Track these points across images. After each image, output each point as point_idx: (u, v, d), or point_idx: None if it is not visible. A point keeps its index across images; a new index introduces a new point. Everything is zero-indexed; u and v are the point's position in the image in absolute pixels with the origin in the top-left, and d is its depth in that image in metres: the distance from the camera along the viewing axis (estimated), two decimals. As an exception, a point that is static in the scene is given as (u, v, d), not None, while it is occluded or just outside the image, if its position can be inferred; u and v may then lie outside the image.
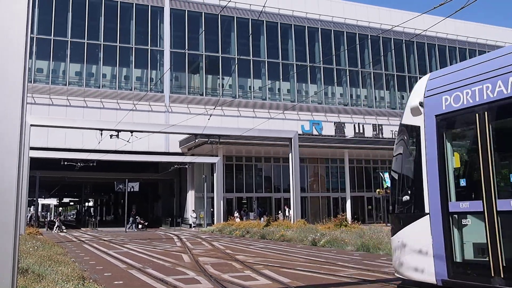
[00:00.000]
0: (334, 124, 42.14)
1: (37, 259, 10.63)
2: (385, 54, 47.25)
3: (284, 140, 31.42)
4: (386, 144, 40.60)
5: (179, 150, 38.14)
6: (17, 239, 5.47)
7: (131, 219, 38.54)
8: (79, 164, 33.20)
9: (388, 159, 44.76)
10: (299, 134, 32.18)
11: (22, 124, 5.66)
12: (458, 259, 7.04)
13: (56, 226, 36.30)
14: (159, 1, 39.93)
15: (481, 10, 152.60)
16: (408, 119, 8.17)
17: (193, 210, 37.75)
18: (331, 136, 40.76)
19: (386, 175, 38.32)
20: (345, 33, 45.60)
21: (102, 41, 37.88)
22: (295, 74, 42.98)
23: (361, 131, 42.31)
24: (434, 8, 9.59)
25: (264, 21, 42.69)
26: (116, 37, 38.25)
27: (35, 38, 35.58)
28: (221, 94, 40.40)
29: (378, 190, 38.60)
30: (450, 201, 7.19)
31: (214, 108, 34.13)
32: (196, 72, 40.98)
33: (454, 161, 7.39)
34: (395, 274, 8.38)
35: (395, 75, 47.20)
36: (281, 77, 42.43)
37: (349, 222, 23.86)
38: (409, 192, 8.05)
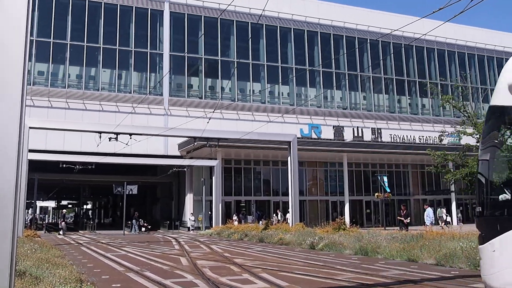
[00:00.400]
0: (333, 128, 42.21)
1: (35, 262, 10.62)
2: (384, 58, 47.31)
3: (283, 143, 31.41)
4: (385, 148, 40.70)
5: (178, 153, 38.14)
6: (15, 242, 5.47)
7: (134, 221, 38.55)
8: (77, 166, 33.15)
9: (387, 163, 44.83)
10: (298, 138, 32.18)
11: (21, 127, 5.67)
12: None
13: (60, 228, 36.41)
14: (159, 5, 39.99)
15: (480, 15, 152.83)
16: (507, 98, 6.65)
17: (191, 213, 37.71)
18: (330, 139, 40.82)
19: (385, 178, 38.35)
20: (344, 37, 45.68)
21: (101, 44, 37.91)
22: (294, 77, 43.02)
23: (360, 135, 42.39)
24: (434, 12, 9.62)
25: (264, 25, 42.76)
26: (115, 40, 38.28)
27: (34, 41, 35.62)
28: (220, 97, 40.42)
29: (376, 194, 38.60)
30: None
31: (213, 111, 34.05)
32: (196, 75, 41.01)
33: None
34: None
35: (394, 79, 47.25)
36: (280, 81, 42.47)
37: (348, 226, 23.82)
38: (510, 188, 6.44)
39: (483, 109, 43.91)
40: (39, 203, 74.91)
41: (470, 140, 24.70)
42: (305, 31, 44.29)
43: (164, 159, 37.46)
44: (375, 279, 10.63)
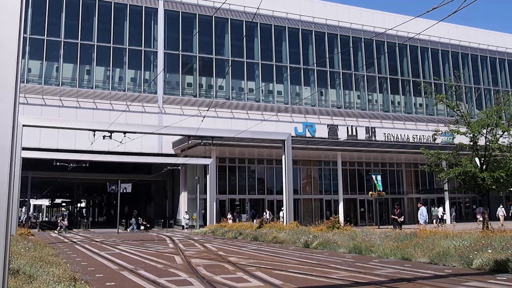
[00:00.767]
0: (327, 127, 42.27)
1: (29, 260, 10.57)
2: (378, 57, 47.41)
3: (277, 142, 31.43)
4: (379, 146, 40.80)
5: (172, 152, 38.09)
6: (8, 240, 5.45)
7: (133, 220, 38.46)
8: (71, 164, 33.06)
9: (381, 162, 44.96)
10: (292, 136, 32.19)
11: (14, 124, 5.65)
12: None
13: (61, 227, 36.33)
14: (153, 2, 39.89)
15: (474, 15, 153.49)
16: None
17: (185, 212, 37.69)
18: (324, 138, 40.88)
19: (379, 177, 38.45)
20: (338, 35, 45.72)
21: (95, 41, 37.78)
22: (288, 76, 43.04)
23: (354, 133, 42.47)
24: (428, 11, 9.65)
25: (258, 23, 42.74)
26: (109, 38, 38.16)
27: (28, 38, 35.47)
28: (214, 95, 40.38)
29: (370, 192, 38.72)
30: None
31: (207, 110, 34.13)
32: (190, 74, 40.95)
33: None
34: None
35: (388, 78, 47.36)
36: (274, 79, 42.49)
37: (342, 224, 23.85)
38: None
39: (476, 109, 44.12)
40: (33, 201, 74.66)
41: (464, 139, 24.79)
42: (300, 29, 44.31)
43: (158, 157, 37.40)
44: (369, 277, 10.66)
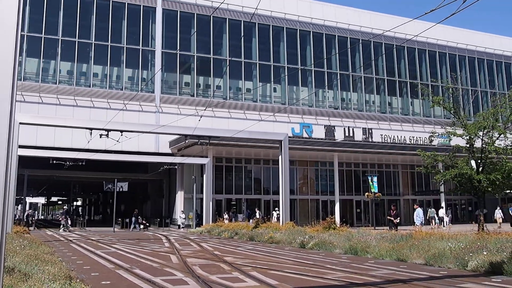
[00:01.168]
0: (324, 127, 42.33)
1: (24, 258, 10.56)
2: (376, 58, 47.49)
3: (274, 142, 31.44)
4: (376, 148, 40.86)
5: (169, 151, 38.05)
6: (4, 237, 5.45)
7: (133, 219, 38.35)
8: (68, 163, 32.99)
9: (377, 163, 45.02)
10: (289, 137, 32.22)
11: (11, 122, 5.64)
12: None
13: (62, 225, 36.29)
14: (151, 1, 39.85)
15: (472, 17, 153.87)
16: None
17: (182, 211, 37.66)
18: (321, 139, 40.92)
19: (375, 179, 38.46)
20: (336, 37, 45.75)
21: (93, 40, 37.71)
22: (286, 76, 43.04)
23: (351, 134, 42.55)
24: (425, 13, 9.67)
25: (256, 23, 42.74)
26: (107, 37, 38.10)
27: (25, 36, 35.37)
28: (212, 95, 40.36)
29: (367, 193, 38.72)
30: None
31: (204, 109, 34.14)
32: (187, 73, 40.91)
33: None
34: None
35: (386, 80, 47.43)
36: (272, 80, 42.49)
37: (338, 225, 23.89)
38: None
39: (473, 111, 44.19)
40: (29, 199, 74.49)
41: (460, 141, 24.84)
42: (298, 30, 44.33)
43: (155, 156, 37.36)
44: (364, 278, 10.68)
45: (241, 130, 29.37)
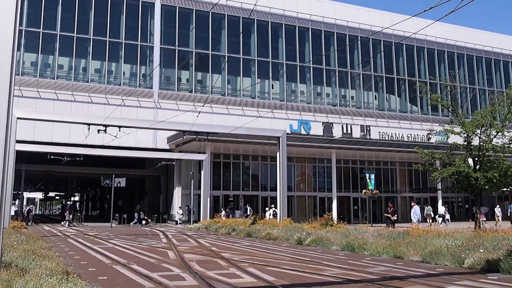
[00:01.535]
0: (322, 124, 42.32)
1: (21, 253, 10.56)
2: (375, 55, 47.47)
3: (272, 138, 31.46)
4: (373, 145, 40.89)
5: (167, 147, 38.04)
6: (1, 232, 5.45)
7: (136, 214, 38.26)
8: (65, 158, 32.97)
9: (375, 160, 45.07)
10: (287, 133, 32.24)
11: (9, 117, 5.64)
12: None
13: (67, 220, 36.24)
14: (150, -3, 39.75)
15: (471, 15, 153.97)
16: None
17: (179, 207, 37.67)
18: (319, 136, 40.92)
19: (372, 176, 38.53)
20: (335, 33, 45.73)
21: (91, 35, 37.62)
22: (284, 73, 43.03)
23: (349, 131, 42.55)
24: (424, 11, 9.66)
25: (255, 20, 42.68)
26: (106, 32, 38.02)
27: (23, 31, 35.27)
28: (210, 91, 40.33)
29: (364, 190, 38.80)
30: None
31: (203, 105, 34.01)
32: (186, 69, 40.87)
33: None
34: None
35: (384, 77, 47.43)
36: (270, 76, 42.47)
37: (335, 222, 23.93)
38: None
39: (471, 109, 44.25)
40: (26, 194, 74.41)
41: (458, 139, 24.88)
42: (296, 27, 44.29)
43: (153, 152, 37.35)
44: (361, 275, 10.71)
45: (239, 127, 29.39)
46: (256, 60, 42.31)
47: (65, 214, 37.96)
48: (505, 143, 23.61)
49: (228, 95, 40.70)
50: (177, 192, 38.61)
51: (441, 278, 10.38)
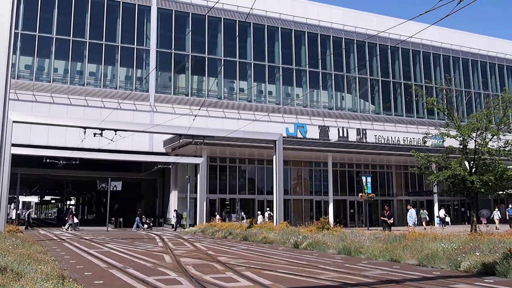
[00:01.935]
0: (319, 128, 42.37)
1: (16, 257, 10.51)
2: (371, 59, 47.57)
3: (268, 142, 31.46)
4: (369, 148, 40.95)
5: (163, 150, 37.98)
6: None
7: (137, 218, 37.94)
8: (61, 162, 32.88)
9: (371, 164, 45.13)
10: (283, 137, 32.25)
11: (4, 121, 5.62)
12: None
13: (68, 224, 36.05)
14: (147, 0, 39.75)
15: (466, 19, 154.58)
16: None
17: (175, 210, 37.56)
18: (316, 139, 40.97)
19: (369, 179, 38.56)
20: (331, 37, 45.81)
21: (87, 38, 37.57)
22: (281, 76, 43.06)
23: (345, 135, 42.61)
24: (420, 15, 9.70)
25: (251, 23, 42.72)
26: (102, 35, 37.97)
27: (19, 34, 35.18)
28: (206, 94, 40.32)
29: (360, 194, 38.83)
30: None
31: (199, 109, 34.13)
32: (182, 72, 40.86)
33: None
34: None
35: (380, 81, 47.52)
36: (267, 79, 42.49)
37: (331, 225, 23.94)
38: None
39: (466, 112, 44.38)
40: (22, 198, 74.14)
41: (454, 143, 24.95)
42: (293, 30, 44.35)
43: (149, 155, 37.27)
44: (358, 278, 10.71)
45: (236, 130, 29.40)
46: (252, 64, 42.34)
47: (68, 218, 37.58)
48: (500, 146, 23.71)
49: (225, 99, 40.69)
50: (174, 196, 38.53)
51: (437, 281, 10.40)
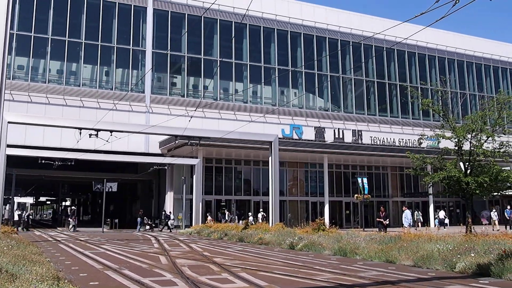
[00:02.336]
0: (314, 129, 42.42)
1: (11, 259, 10.48)
2: (366, 61, 47.67)
3: (264, 143, 31.48)
4: (365, 149, 41.02)
5: (159, 151, 37.94)
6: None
7: (139, 220, 37.78)
8: (57, 163, 32.77)
9: (367, 165, 45.21)
10: (279, 138, 32.27)
11: (0, 121, 5.61)
12: None
13: (72, 225, 35.96)
14: (142, 1, 39.73)
15: (461, 21, 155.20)
16: None
17: (170, 212, 37.51)
18: (311, 140, 41.01)
19: (365, 180, 38.60)
20: (327, 39, 45.89)
21: (83, 39, 37.51)
22: (276, 78, 43.11)
23: (341, 136, 42.67)
24: (416, 16, 9.72)
25: (247, 25, 42.75)
26: (97, 36, 37.91)
27: (15, 35, 35.08)
28: (202, 96, 40.33)
29: (356, 195, 38.90)
30: None
31: (195, 110, 34.07)
32: (178, 73, 40.83)
33: None
34: None
35: (376, 82, 47.61)
36: (263, 81, 42.52)
37: (327, 227, 23.95)
38: None
39: (461, 114, 44.53)
40: (17, 199, 73.82)
41: (449, 144, 25.02)
42: (289, 31, 44.40)
43: (144, 156, 37.23)
44: (353, 279, 10.73)
45: (232, 131, 29.40)
46: (248, 65, 42.36)
47: (71, 219, 37.45)
48: (495, 148, 23.77)
49: (220, 100, 40.69)
50: (169, 197, 38.47)
51: (432, 282, 10.42)
